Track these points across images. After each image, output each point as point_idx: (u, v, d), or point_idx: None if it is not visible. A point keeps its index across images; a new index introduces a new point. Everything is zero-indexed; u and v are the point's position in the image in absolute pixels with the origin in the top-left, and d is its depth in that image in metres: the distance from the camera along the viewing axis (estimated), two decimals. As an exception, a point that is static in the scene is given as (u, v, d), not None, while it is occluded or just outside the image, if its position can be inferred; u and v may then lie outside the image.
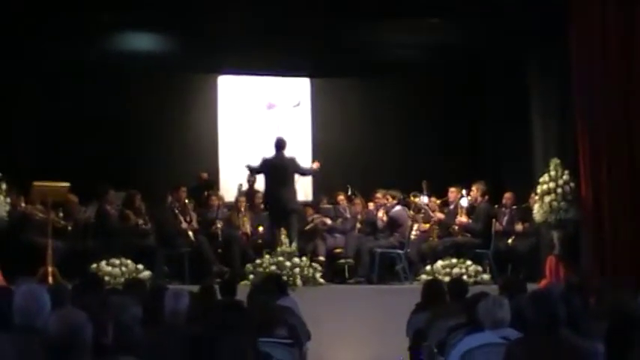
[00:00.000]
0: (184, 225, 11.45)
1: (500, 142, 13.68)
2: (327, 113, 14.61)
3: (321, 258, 11.43)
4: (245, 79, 14.71)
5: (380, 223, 11.74)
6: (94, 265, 10.53)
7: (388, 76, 14.20)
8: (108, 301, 4.76)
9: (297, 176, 11.30)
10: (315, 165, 11.69)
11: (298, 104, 14.78)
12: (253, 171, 11.69)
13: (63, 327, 3.49)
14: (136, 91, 13.76)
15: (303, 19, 11.73)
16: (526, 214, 11.66)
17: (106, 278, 9.93)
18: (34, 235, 10.98)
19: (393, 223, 11.66)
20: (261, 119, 14.53)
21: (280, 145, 11.20)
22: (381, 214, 11.81)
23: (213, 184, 13.54)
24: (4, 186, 10.57)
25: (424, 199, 12.19)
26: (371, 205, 12.35)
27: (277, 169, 11.07)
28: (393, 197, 11.92)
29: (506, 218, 11.87)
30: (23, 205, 11.23)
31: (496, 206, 12.02)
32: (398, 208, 11.82)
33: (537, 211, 11.03)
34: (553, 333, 4.47)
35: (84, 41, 12.21)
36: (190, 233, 11.40)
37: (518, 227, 11.76)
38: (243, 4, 11.53)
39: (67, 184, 11.07)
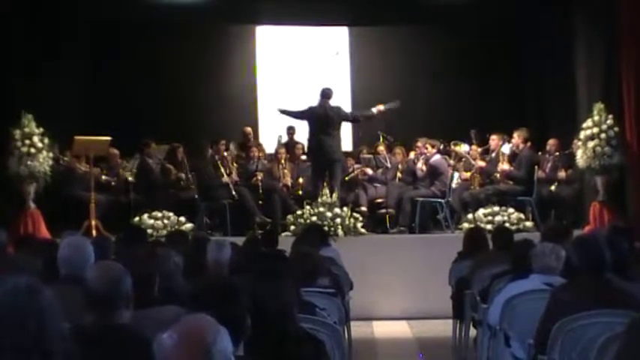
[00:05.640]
0: (225, 178, 11.48)
1: (543, 88, 13.43)
2: (366, 62, 14.47)
3: (363, 208, 11.41)
4: (283, 29, 14.60)
5: (420, 173, 11.67)
6: (137, 218, 10.64)
7: (428, 23, 13.98)
8: (151, 253, 4.79)
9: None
10: (377, 109, 11.31)
11: (337, 53, 14.65)
12: (289, 114, 11.42)
13: (102, 279, 3.49)
14: (174, 42, 13.71)
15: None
16: (569, 160, 11.50)
17: (149, 231, 9.99)
18: (78, 189, 11.11)
19: (434, 172, 11.58)
20: (299, 70, 14.43)
21: (326, 94, 11.09)
22: (420, 163, 11.72)
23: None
24: (46, 141, 10.67)
25: (465, 147, 12.09)
26: (412, 155, 12.28)
27: (322, 119, 10.96)
28: (433, 146, 11.83)
29: (549, 165, 11.71)
30: (66, 159, 11.33)
31: (539, 153, 11.87)
32: (437, 156, 11.74)
33: (581, 157, 10.88)
34: (599, 277, 4.42)
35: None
36: (231, 185, 11.42)
37: (562, 174, 11.60)
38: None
39: (108, 138, 11.15)
